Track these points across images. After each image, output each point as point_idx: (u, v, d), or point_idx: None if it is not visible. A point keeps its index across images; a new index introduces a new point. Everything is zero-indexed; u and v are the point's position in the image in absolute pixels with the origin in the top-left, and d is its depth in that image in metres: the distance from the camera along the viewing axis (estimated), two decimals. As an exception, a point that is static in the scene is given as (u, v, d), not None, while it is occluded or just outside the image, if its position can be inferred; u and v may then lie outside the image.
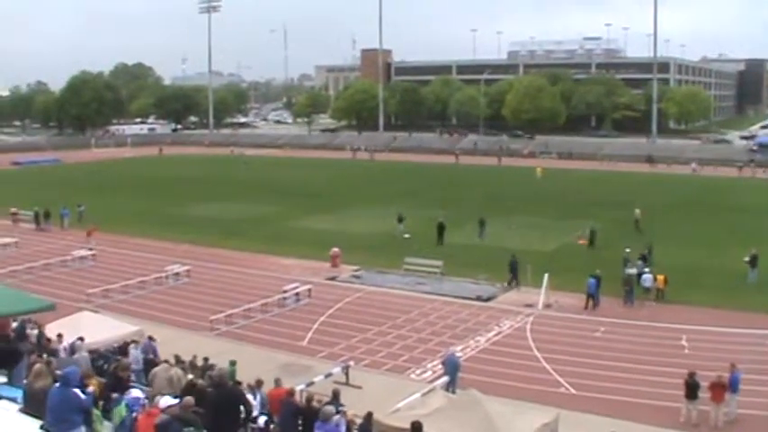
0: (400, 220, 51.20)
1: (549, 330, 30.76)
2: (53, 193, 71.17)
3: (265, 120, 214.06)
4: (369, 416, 16.89)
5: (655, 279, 35.09)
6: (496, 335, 30.26)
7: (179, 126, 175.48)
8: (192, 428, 12.05)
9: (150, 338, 24.11)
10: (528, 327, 31.25)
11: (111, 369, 16.02)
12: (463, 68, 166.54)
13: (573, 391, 24.52)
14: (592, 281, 34.06)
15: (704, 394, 22.21)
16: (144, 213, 61.06)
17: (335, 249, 42.60)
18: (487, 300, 35.40)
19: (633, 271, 35.62)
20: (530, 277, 36.80)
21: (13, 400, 12.12)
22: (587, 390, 24.51)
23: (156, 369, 17.88)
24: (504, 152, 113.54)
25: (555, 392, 24.34)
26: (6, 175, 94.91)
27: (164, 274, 39.18)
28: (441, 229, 48.23)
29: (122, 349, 23.05)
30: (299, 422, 15.83)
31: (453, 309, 33.90)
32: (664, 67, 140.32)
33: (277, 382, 18.76)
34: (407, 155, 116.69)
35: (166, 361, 20.01)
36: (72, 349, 20.43)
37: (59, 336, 21.73)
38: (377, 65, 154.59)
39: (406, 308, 33.98)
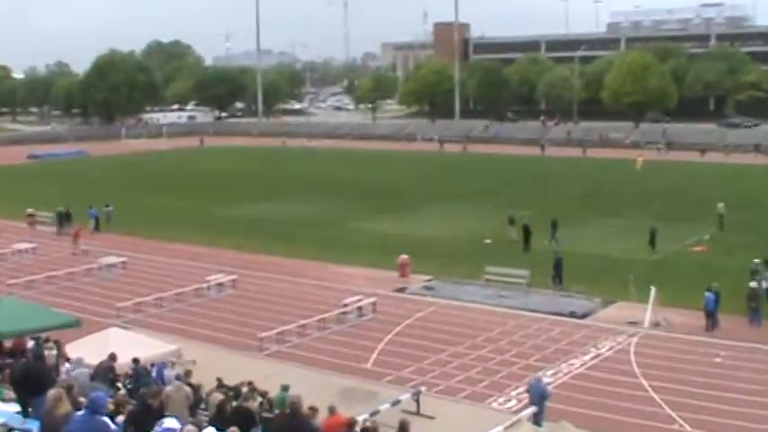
0: (511, 221, 50.54)
1: (657, 354, 30.17)
2: (77, 191, 72.83)
3: (323, 106, 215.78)
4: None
5: (787, 294, 34.16)
6: (594, 358, 29.81)
7: (223, 114, 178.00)
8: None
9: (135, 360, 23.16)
10: (632, 349, 30.70)
11: (140, 394, 16.10)
12: (554, 44, 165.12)
13: (687, 427, 23.96)
14: (710, 296, 33.26)
15: None
16: (182, 214, 62.06)
17: (404, 256, 42.61)
18: (583, 316, 34.97)
19: (759, 284, 34.68)
20: (633, 291, 36.19)
21: (28, 432, 12.27)
22: (705, 426, 23.92)
23: (168, 389, 17.99)
24: (602, 142, 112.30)
25: (665, 429, 23.85)
26: (22, 170, 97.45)
27: (205, 285, 39.70)
28: (526, 232, 47.80)
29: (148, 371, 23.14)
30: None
31: (542, 326, 33.55)
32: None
33: (331, 410, 18.71)
34: (492, 146, 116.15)
35: (178, 378, 20.19)
36: (73, 367, 20.44)
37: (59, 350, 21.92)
38: (452, 41, 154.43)
39: (486, 325, 33.76)
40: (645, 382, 27.29)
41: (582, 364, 29.17)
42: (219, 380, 22.23)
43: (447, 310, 36.29)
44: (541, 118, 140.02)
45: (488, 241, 49.69)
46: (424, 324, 34.20)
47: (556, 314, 35.22)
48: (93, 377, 19.76)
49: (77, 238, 50.04)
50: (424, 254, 45.35)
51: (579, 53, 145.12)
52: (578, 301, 37.09)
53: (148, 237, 53.51)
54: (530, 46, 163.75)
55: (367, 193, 71.00)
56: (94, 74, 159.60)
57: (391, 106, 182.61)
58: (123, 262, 44.99)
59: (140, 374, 21.57)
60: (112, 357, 21.29)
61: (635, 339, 31.80)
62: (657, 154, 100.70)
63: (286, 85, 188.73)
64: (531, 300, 37.53)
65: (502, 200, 65.31)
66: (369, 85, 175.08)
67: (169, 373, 22.42)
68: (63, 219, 56.19)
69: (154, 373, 22.25)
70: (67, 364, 20.79)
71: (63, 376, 19.60)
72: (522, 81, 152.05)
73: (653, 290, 34.49)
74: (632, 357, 29.82)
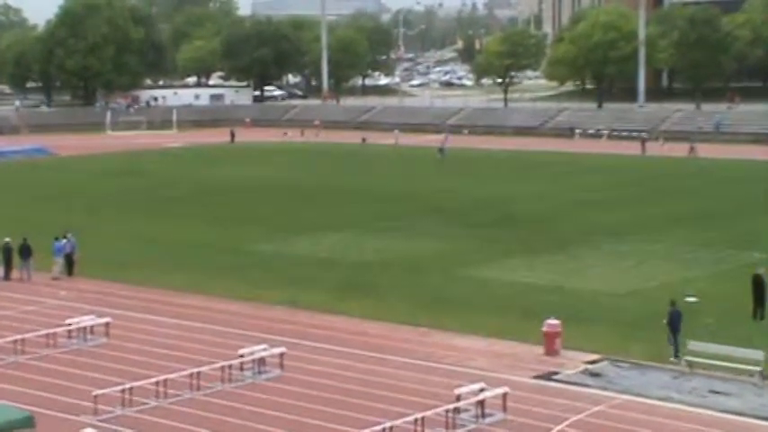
0: None
1: None
2: (33, 211, 74.70)
3: (425, 81, 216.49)
4: None
5: None
6: None
7: (268, 92, 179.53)
8: None
9: None
10: None
11: None
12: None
13: None
14: None
15: None
16: (200, 250, 62.91)
17: (553, 321, 42.19)
18: None
19: None
20: None
21: None
22: None
23: None
24: None
25: None
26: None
27: (236, 363, 39.75)
28: (759, 288, 47.06)
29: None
30: None
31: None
32: None
33: None
34: (711, 146, 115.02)
35: None
36: None
37: None
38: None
39: (690, 439, 33.28)
40: None
41: None
42: None
43: (624, 411, 35.75)
44: None
45: (693, 299, 48.83)
46: (587, 433, 33.91)
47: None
48: None
49: None
50: (586, 318, 45.17)
51: None
52: None
53: (146, 284, 54.11)
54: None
55: (494, 222, 71.08)
56: (62, 26, 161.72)
57: (533, 81, 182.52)
58: (106, 324, 45.12)
59: None
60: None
61: None
62: None
63: (366, 47, 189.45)
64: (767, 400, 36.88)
65: (716, 234, 64.52)
66: (497, 48, 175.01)
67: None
68: (12, 256, 56.47)
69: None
70: None
71: None
72: (753, 38, 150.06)
73: None
74: None
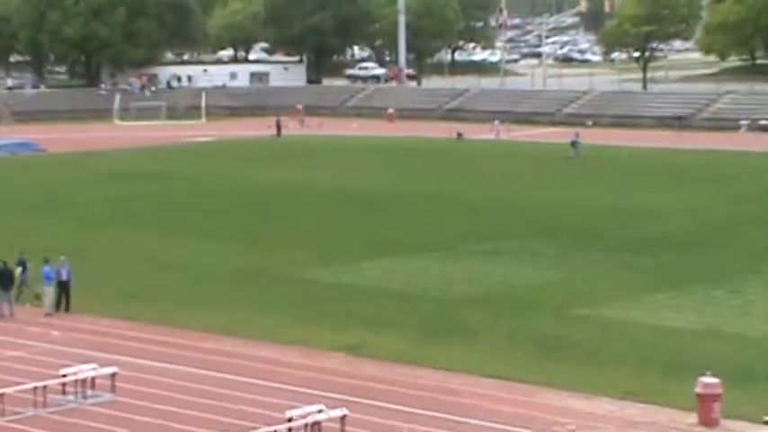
0: None
1: None
2: (15, 224, 75.03)
3: (533, 55, 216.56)
4: None
5: None
6: None
7: (362, 68, 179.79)
8: None
9: None
10: None
11: None
12: None
13: None
14: None
15: None
16: (232, 279, 62.99)
17: (709, 379, 41.66)
18: None
19: None
20: None
21: None
22: None
23: None
24: None
25: None
26: None
27: (282, 429, 39.57)
28: None
29: None
30: None
31: None
32: None
33: None
34: None
35: None
36: None
37: None
38: None
39: None
40: None
41: None
42: None
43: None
44: None
45: None
46: None
47: None
48: None
49: None
50: (756, 376, 44.59)
51: None
52: None
53: (163, 323, 54.08)
54: None
55: (627, 244, 70.81)
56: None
57: (683, 56, 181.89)
58: (111, 375, 45.16)
59: None
60: None
61: None
62: None
63: (457, 11, 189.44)
64: None
65: None
66: (633, 11, 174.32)
67: None
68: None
69: None
70: None
71: None
72: None
73: None
74: None
